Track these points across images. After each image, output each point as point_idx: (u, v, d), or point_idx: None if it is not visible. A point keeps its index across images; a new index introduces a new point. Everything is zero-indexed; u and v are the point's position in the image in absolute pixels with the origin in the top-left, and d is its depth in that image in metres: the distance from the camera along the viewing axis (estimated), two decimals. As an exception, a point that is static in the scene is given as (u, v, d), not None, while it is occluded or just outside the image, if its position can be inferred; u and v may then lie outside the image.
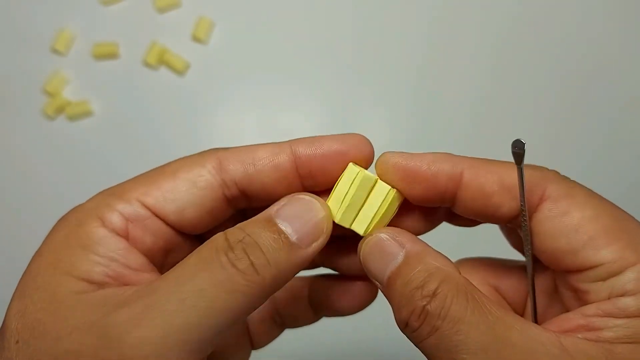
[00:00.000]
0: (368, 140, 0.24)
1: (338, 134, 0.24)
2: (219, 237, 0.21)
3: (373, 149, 0.24)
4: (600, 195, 0.22)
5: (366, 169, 0.23)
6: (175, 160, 0.23)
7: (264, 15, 0.53)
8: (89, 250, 0.21)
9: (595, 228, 0.20)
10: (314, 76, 0.53)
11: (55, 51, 0.52)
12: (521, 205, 0.21)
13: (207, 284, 0.19)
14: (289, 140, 0.24)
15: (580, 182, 0.23)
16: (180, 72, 0.52)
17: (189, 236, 0.24)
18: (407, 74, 0.53)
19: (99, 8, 0.53)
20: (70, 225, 0.22)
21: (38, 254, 0.22)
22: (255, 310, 0.24)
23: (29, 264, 0.21)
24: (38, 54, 0.52)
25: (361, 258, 0.22)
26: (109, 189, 0.23)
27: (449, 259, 0.22)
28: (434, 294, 0.20)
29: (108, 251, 0.21)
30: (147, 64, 0.52)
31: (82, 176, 0.51)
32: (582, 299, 0.21)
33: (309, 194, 0.22)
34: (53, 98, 0.51)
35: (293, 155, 0.23)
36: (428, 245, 0.22)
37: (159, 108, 0.52)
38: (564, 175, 0.22)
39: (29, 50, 0.52)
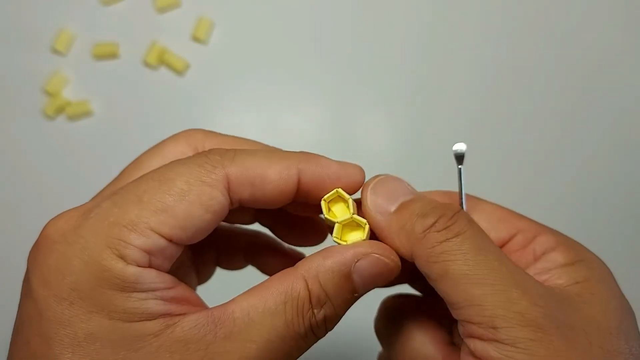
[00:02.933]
0: (363, 172, 0.25)
1: (342, 162, 0.25)
2: (301, 290, 0.21)
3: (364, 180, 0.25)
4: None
5: (352, 194, 0.24)
6: (179, 172, 0.22)
7: (264, 15, 0.53)
8: (129, 290, 0.20)
9: (499, 214, 0.26)
10: (314, 76, 0.53)
11: (55, 51, 0.52)
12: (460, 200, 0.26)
13: (274, 334, 0.21)
14: (297, 157, 0.23)
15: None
16: (180, 72, 0.52)
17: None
18: (406, 75, 0.53)
19: (99, 8, 0.53)
20: (81, 266, 0.20)
21: (40, 307, 0.21)
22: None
23: (23, 318, 0.21)
24: (38, 54, 0.52)
25: (365, 187, 0.24)
26: (111, 214, 0.21)
27: None
28: (458, 211, 0.22)
29: (148, 285, 0.21)
30: (147, 64, 0.52)
31: (82, 176, 0.51)
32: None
33: (385, 247, 0.23)
34: (53, 98, 0.51)
35: (298, 176, 0.23)
36: None
37: (159, 108, 0.52)
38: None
39: (29, 50, 0.52)
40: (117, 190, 0.22)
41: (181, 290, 0.22)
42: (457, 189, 0.26)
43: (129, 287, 0.20)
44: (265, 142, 0.30)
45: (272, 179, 0.22)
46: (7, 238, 0.50)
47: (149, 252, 0.21)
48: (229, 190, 0.22)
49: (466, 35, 0.53)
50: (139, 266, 0.20)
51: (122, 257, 0.20)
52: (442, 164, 0.51)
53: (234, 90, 0.52)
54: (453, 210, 0.22)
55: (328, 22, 0.53)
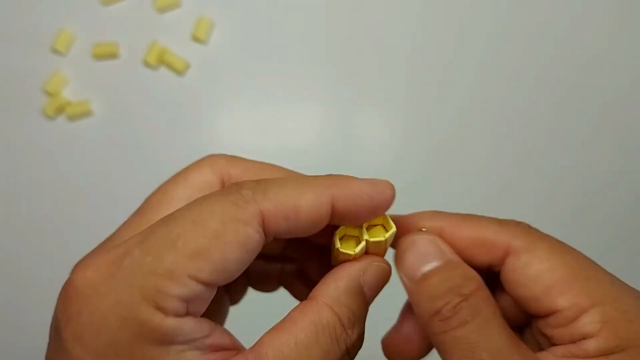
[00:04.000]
0: (393, 187, 0.24)
1: (371, 181, 0.23)
2: (329, 316, 0.22)
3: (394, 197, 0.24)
4: (564, 245, 0.24)
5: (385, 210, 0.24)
6: (212, 211, 0.21)
7: (264, 16, 0.53)
8: (167, 343, 0.20)
9: (552, 278, 0.22)
10: (314, 76, 0.53)
11: (55, 51, 0.52)
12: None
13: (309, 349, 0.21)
14: (328, 183, 0.23)
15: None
16: (180, 72, 0.52)
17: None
18: (406, 74, 0.53)
19: (99, 8, 0.53)
20: (117, 322, 0.20)
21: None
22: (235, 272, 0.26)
23: None
24: (38, 54, 0.52)
25: (399, 249, 0.25)
26: (145, 263, 0.20)
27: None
28: (470, 295, 0.22)
29: (186, 336, 0.20)
30: (147, 64, 0.52)
31: (82, 176, 0.51)
32: (550, 341, 0.23)
33: (385, 261, 0.24)
34: (53, 98, 0.51)
35: (331, 203, 0.22)
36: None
37: (159, 108, 0.52)
38: (529, 228, 0.24)
39: (29, 50, 0.52)
40: (147, 233, 0.21)
41: (218, 335, 0.21)
42: (455, 209, 0.26)
43: (167, 340, 0.19)
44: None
45: (306, 210, 0.22)
46: (7, 237, 0.50)
47: (187, 300, 0.20)
48: (263, 226, 0.21)
49: (465, 36, 0.53)
50: (177, 316, 0.20)
51: (161, 309, 0.19)
52: (443, 164, 0.51)
53: (233, 90, 0.52)
54: (461, 295, 0.22)
55: (328, 22, 0.53)
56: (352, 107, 0.52)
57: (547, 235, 0.24)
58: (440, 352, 0.23)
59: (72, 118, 0.52)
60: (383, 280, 0.24)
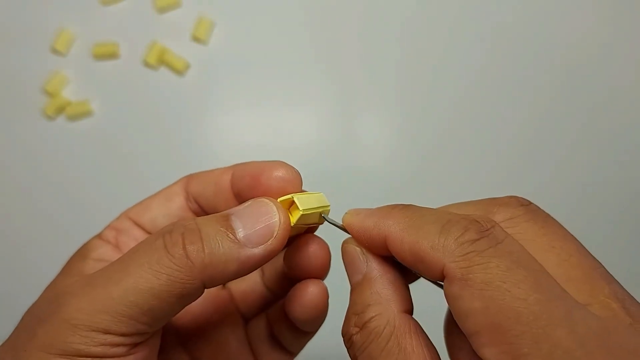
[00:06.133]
0: (290, 167, 0.25)
1: (265, 161, 0.25)
2: (170, 223, 0.22)
3: (296, 176, 0.25)
4: (506, 275, 0.18)
5: (295, 192, 0.24)
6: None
7: (264, 15, 0.53)
8: (86, 257, 0.25)
9: (479, 324, 0.18)
10: (314, 76, 0.53)
11: (55, 51, 0.52)
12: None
13: (136, 264, 0.20)
14: (238, 163, 0.26)
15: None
16: (180, 72, 0.52)
17: None
18: (405, 74, 0.53)
19: (99, 8, 0.53)
20: (82, 246, 0.26)
21: (61, 270, 0.25)
22: (255, 334, 0.29)
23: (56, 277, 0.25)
24: (38, 54, 0.52)
25: (342, 256, 0.24)
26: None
27: (404, 292, 0.22)
28: (363, 326, 0.21)
29: (99, 255, 0.25)
30: (147, 64, 0.52)
31: (82, 176, 0.51)
32: None
33: (271, 199, 0.23)
34: (53, 98, 0.51)
35: (231, 175, 0.26)
36: (392, 269, 0.22)
37: (159, 108, 0.52)
38: (475, 240, 0.19)
39: (29, 50, 0.52)
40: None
41: None
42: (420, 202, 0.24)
43: (86, 254, 0.25)
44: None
45: (213, 175, 0.26)
46: (7, 237, 0.50)
47: (117, 230, 0.26)
48: (185, 187, 0.27)
49: (456, 37, 0.53)
50: (105, 241, 0.26)
51: (99, 236, 0.26)
52: (437, 162, 0.52)
53: (233, 90, 0.52)
54: (357, 325, 0.21)
55: (328, 21, 0.53)
56: (353, 106, 0.52)
57: (497, 252, 0.19)
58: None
59: (72, 118, 0.52)
60: (259, 215, 0.22)
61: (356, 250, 0.23)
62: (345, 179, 0.51)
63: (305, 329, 0.28)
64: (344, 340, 0.21)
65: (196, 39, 0.53)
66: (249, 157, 0.51)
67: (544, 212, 0.22)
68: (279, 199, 0.24)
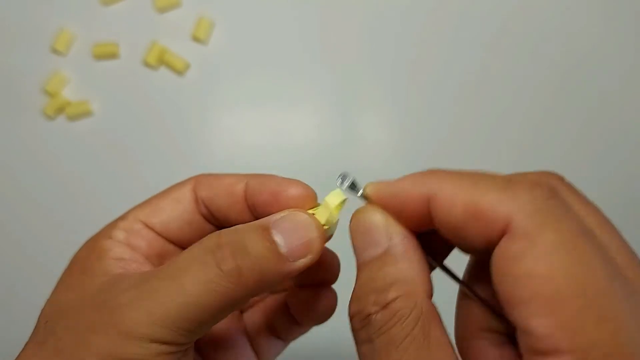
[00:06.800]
0: (307, 186, 0.25)
1: (284, 178, 0.26)
2: (212, 235, 0.22)
3: (313, 195, 0.25)
4: (584, 240, 0.17)
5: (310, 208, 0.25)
6: (172, 185, 0.27)
7: (264, 15, 0.53)
8: (103, 256, 0.24)
9: (537, 290, 0.16)
10: (314, 76, 0.53)
11: (55, 51, 0.52)
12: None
13: (191, 281, 0.21)
14: (250, 174, 0.26)
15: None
16: (180, 72, 0.52)
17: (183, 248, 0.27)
18: (405, 74, 0.53)
19: (99, 8, 0.53)
20: (88, 245, 0.26)
21: (66, 268, 0.25)
22: (251, 323, 0.30)
23: (60, 277, 0.25)
24: (38, 54, 0.52)
25: (350, 228, 0.22)
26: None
27: (428, 275, 0.20)
28: (386, 306, 0.19)
29: (116, 254, 0.25)
30: (147, 64, 0.52)
31: (82, 176, 0.51)
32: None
33: (308, 212, 0.23)
34: (53, 98, 0.51)
35: (246, 186, 0.26)
36: (419, 248, 0.21)
37: (159, 108, 0.52)
38: (547, 198, 0.18)
39: (29, 50, 0.52)
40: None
41: (149, 266, 0.25)
42: None
43: (103, 254, 0.24)
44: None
45: (224, 183, 0.26)
46: (8, 237, 0.50)
47: (127, 231, 0.25)
48: (194, 189, 0.26)
49: (457, 37, 0.53)
50: (118, 242, 0.25)
51: (109, 236, 0.25)
52: (444, 163, 0.51)
53: (233, 90, 0.52)
54: (377, 304, 0.19)
55: (328, 21, 0.53)
56: (353, 106, 0.52)
57: (568, 215, 0.17)
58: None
59: (72, 118, 0.52)
60: (300, 230, 0.22)
61: (380, 220, 0.21)
62: (345, 179, 0.51)
63: (309, 327, 0.29)
64: (354, 319, 0.20)
65: (196, 39, 0.53)
66: (248, 156, 0.51)
67: (575, 195, 0.19)
68: None
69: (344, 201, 0.24)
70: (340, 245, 0.25)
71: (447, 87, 0.53)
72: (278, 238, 0.22)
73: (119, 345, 0.21)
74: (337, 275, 0.28)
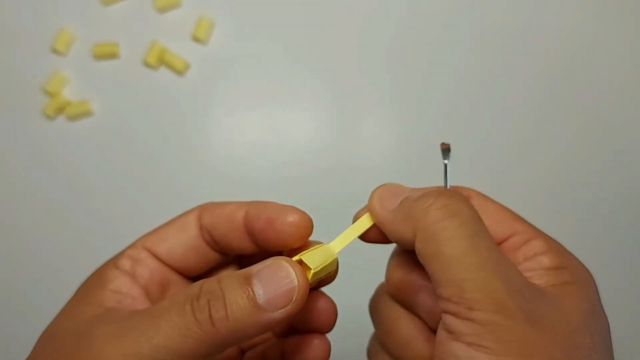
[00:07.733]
0: (302, 213, 0.26)
1: (281, 205, 0.26)
2: (196, 284, 0.23)
3: (309, 223, 0.26)
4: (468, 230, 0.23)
5: (306, 238, 0.26)
6: (179, 214, 0.28)
7: (264, 16, 0.53)
8: (104, 287, 0.26)
9: (504, 216, 0.26)
10: (313, 76, 0.53)
11: (55, 51, 0.52)
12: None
13: (167, 325, 0.22)
14: (252, 201, 0.27)
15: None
16: (180, 72, 0.52)
17: (187, 277, 0.28)
18: (405, 75, 0.53)
19: (99, 8, 0.53)
20: (96, 273, 0.27)
21: (74, 294, 0.26)
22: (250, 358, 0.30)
23: (68, 302, 0.26)
24: (38, 54, 0.52)
25: (376, 191, 0.26)
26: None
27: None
28: (457, 194, 0.24)
29: (116, 286, 0.26)
30: (147, 64, 0.52)
31: (82, 176, 0.51)
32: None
33: (290, 260, 0.24)
34: (53, 98, 0.51)
35: (245, 213, 0.27)
36: None
37: (159, 108, 0.52)
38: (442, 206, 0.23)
39: (29, 50, 0.52)
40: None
41: (142, 302, 0.26)
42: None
43: (104, 284, 0.26)
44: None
45: (226, 210, 0.27)
46: (8, 237, 0.50)
47: (133, 260, 0.27)
48: (199, 217, 0.28)
49: (450, 37, 0.53)
50: (122, 272, 0.26)
51: (115, 264, 0.26)
52: (436, 161, 0.51)
53: (233, 90, 0.52)
54: (451, 192, 0.24)
55: (329, 21, 0.53)
56: (354, 107, 0.52)
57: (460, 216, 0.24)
58: (429, 245, 0.23)
59: (72, 118, 0.52)
60: (279, 279, 0.23)
61: (404, 185, 0.27)
62: (345, 179, 0.51)
63: None
64: (430, 202, 0.23)
65: (196, 39, 0.53)
66: (248, 156, 0.51)
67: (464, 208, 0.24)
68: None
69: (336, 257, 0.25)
70: (342, 249, 0.26)
71: (447, 86, 0.53)
72: (257, 288, 0.22)
73: None
74: (332, 324, 0.28)
